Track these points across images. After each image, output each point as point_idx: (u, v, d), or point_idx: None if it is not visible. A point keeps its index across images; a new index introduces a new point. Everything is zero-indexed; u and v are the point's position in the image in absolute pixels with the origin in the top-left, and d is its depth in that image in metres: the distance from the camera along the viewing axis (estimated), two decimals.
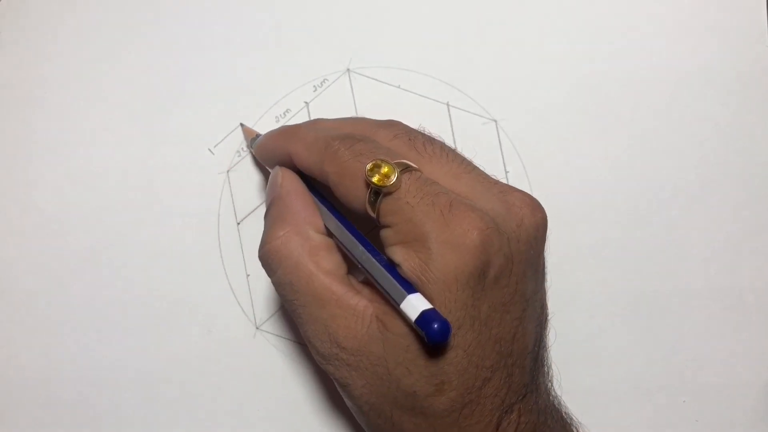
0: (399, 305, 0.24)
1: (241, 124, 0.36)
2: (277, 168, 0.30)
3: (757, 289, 0.35)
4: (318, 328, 0.26)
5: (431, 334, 0.23)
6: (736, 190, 0.36)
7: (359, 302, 0.26)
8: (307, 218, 0.28)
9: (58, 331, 0.35)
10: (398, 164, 0.25)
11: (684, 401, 0.35)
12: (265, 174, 0.36)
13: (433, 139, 0.28)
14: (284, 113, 0.36)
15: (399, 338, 0.24)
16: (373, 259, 0.26)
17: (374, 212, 0.25)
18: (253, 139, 0.34)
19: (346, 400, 0.28)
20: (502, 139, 0.36)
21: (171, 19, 0.37)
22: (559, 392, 0.29)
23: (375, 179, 0.25)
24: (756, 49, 0.36)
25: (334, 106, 0.36)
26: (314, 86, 0.36)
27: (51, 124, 0.36)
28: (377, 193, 0.25)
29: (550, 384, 0.29)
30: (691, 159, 0.36)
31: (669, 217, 0.36)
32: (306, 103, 0.36)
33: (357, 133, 0.28)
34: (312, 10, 0.37)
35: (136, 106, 0.36)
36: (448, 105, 0.36)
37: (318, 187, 0.29)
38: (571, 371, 0.34)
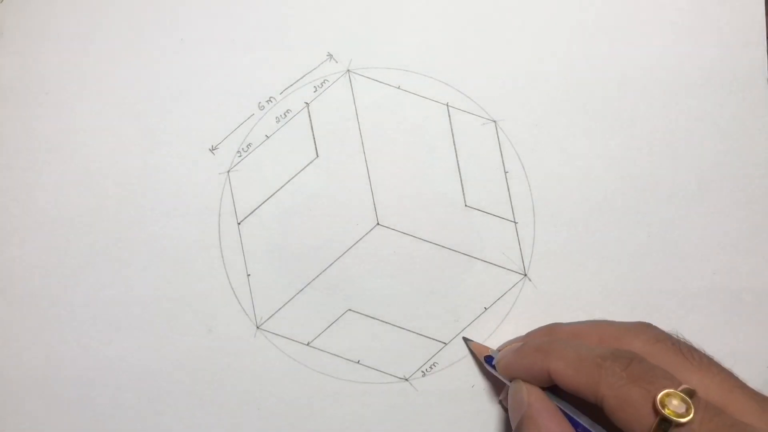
0: None
1: (466, 339, 0.35)
2: (520, 383, 0.30)
3: (757, 289, 0.35)
4: None
5: None
6: (735, 190, 0.36)
7: None
8: None
9: (59, 331, 0.36)
10: (686, 392, 0.25)
11: None
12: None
13: (693, 345, 0.28)
14: (284, 113, 0.36)
15: None
16: None
17: None
18: (487, 356, 0.34)
19: None
20: (501, 140, 0.36)
21: (171, 19, 0.37)
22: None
23: (669, 411, 0.24)
24: (755, 50, 0.36)
25: (334, 107, 0.36)
26: (314, 87, 0.36)
27: (51, 124, 0.36)
28: (666, 422, 0.24)
29: None
30: (690, 159, 0.36)
31: (669, 217, 0.36)
32: (306, 103, 0.36)
33: (624, 350, 0.27)
34: (312, 10, 0.37)
35: (136, 106, 0.36)
36: (448, 105, 0.36)
37: (561, 399, 0.29)
38: None
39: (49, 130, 0.36)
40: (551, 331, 0.32)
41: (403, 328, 0.35)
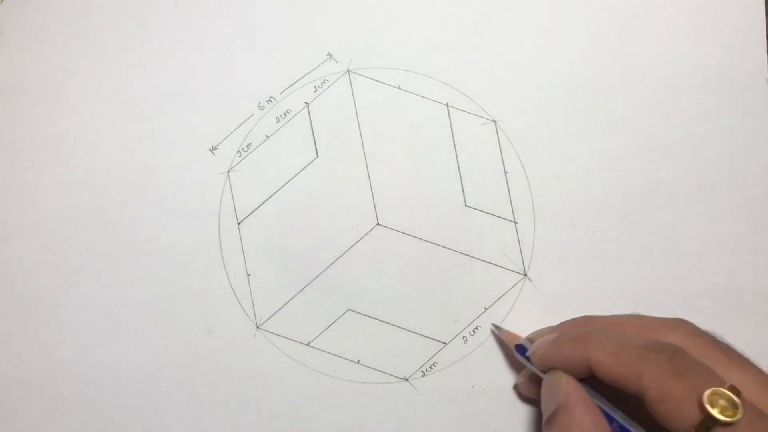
0: None
1: (496, 326, 0.35)
2: (559, 373, 0.29)
3: (757, 289, 0.35)
4: None
5: None
6: (735, 190, 0.36)
7: None
8: None
9: (59, 331, 0.36)
10: (732, 391, 0.24)
11: None
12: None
13: (730, 344, 0.28)
14: (284, 114, 0.36)
15: None
16: None
17: None
18: (518, 345, 0.33)
19: None
20: (501, 140, 0.36)
21: (171, 19, 0.37)
22: None
23: (717, 411, 0.24)
24: (755, 50, 0.36)
25: (334, 107, 0.36)
26: (314, 87, 0.36)
27: (51, 124, 0.36)
28: (711, 420, 0.24)
29: None
30: (690, 159, 0.36)
31: (669, 217, 0.36)
32: (306, 103, 0.36)
33: (666, 342, 0.27)
34: (312, 10, 0.37)
35: (136, 106, 0.36)
36: (447, 105, 0.36)
37: (596, 393, 0.29)
38: None
39: (49, 130, 0.36)
40: (587, 322, 0.32)
41: (403, 328, 0.35)
